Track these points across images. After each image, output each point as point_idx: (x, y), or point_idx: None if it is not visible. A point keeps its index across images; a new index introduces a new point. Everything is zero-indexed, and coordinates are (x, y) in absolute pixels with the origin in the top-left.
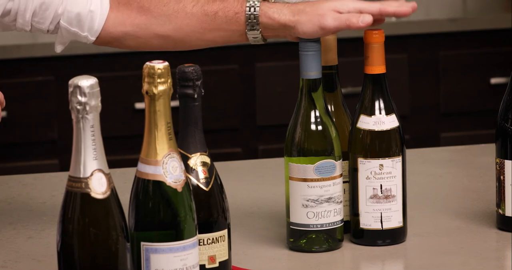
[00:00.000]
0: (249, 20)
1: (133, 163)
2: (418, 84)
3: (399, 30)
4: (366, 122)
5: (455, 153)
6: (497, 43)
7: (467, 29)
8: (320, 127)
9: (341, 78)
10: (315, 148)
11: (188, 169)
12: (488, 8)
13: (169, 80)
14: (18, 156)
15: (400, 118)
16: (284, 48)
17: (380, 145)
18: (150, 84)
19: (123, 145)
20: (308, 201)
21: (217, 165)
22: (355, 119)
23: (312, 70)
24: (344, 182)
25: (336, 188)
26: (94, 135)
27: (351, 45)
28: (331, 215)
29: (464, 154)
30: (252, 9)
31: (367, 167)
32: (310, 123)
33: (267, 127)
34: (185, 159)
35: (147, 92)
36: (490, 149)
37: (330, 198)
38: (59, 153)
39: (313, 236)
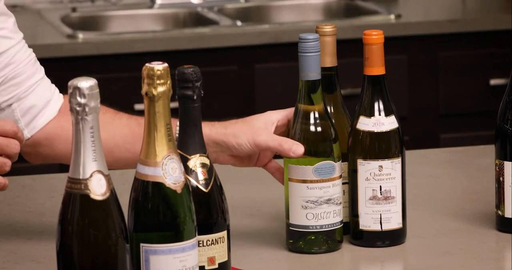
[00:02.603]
0: None
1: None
2: (418, 86)
3: (399, 31)
4: (365, 124)
5: (455, 154)
6: (497, 44)
7: (467, 30)
8: (319, 129)
9: (340, 80)
10: (314, 149)
11: (187, 170)
12: (488, 9)
13: (168, 82)
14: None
15: (399, 119)
16: (283, 50)
17: (380, 146)
18: (149, 85)
19: None
20: (307, 202)
21: (216, 166)
22: (354, 121)
23: (311, 71)
24: (343, 183)
25: (335, 189)
26: (93, 136)
27: (351, 46)
28: (330, 216)
29: (463, 155)
30: None
31: (366, 168)
32: (309, 124)
33: None
34: (184, 160)
35: (146, 94)
36: (489, 150)
37: (329, 199)
38: None
39: (313, 237)
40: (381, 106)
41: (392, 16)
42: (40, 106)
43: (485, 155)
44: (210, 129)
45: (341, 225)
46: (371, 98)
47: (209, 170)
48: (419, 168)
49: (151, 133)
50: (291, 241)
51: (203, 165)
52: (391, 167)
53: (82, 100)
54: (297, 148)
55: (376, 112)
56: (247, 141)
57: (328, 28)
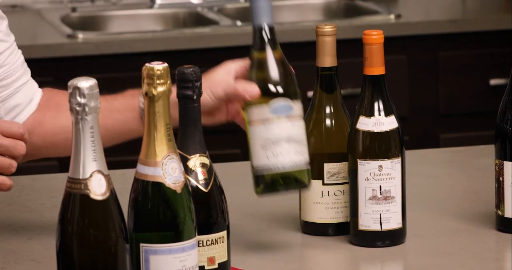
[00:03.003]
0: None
1: (133, 164)
2: (418, 85)
3: (399, 31)
4: (365, 124)
5: (454, 154)
6: (497, 44)
7: (467, 30)
8: (273, 71)
9: (340, 80)
10: (269, 89)
11: (187, 170)
12: (488, 9)
13: (168, 82)
14: None
15: (399, 119)
16: (283, 50)
17: (380, 146)
18: (149, 85)
19: (122, 146)
20: (267, 141)
21: (216, 166)
22: (354, 121)
23: (262, 16)
24: (343, 183)
25: (295, 129)
26: (93, 136)
27: (351, 46)
28: (291, 154)
29: (463, 155)
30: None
31: (366, 168)
32: (263, 68)
33: None
34: (184, 160)
35: (146, 94)
36: (489, 150)
37: (289, 138)
38: None
39: (276, 176)
40: (381, 106)
41: (392, 16)
42: (24, 104)
43: (485, 155)
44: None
45: (308, 168)
46: (371, 98)
47: (209, 170)
48: (419, 168)
49: (151, 133)
50: (257, 186)
51: (203, 165)
52: (391, 167)
53: (82, 100)
54: (252, 89)
55: (376, 112)
56: (207, 95)
57: (328, 28)
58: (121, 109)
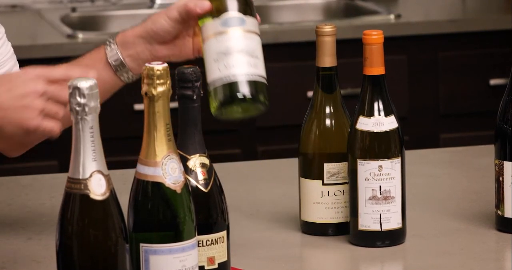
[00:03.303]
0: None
1: (132, 164)
2: (418, 85)
3: (398, 31)
4: (365, 124)
5: (454, 154)
6: (497, 44)
7: (467, 30)
8: None
9: (340, 80)
10: (220, 5)
11: (187, 170)
12: (488, 9)
13: (168, 82)
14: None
15: (399, 119)
16: (283, 49)
17: (379, 146)
18: (149, 85)
19: (122, 146)
20: (218, 54)
21: (216, 166)
22: (354, 121)
23: None
24: (343, 183)
25: (249, 41)
26: (93, 136)
27: (350, 46)
28: (244, 65)
29: (463, 155)
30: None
31: (366, 168)
32: None
33: (267, 129)
34: (184, 160)
35: (146, 94)
36: (489, 150)
37: (242, 50)
38: (58, 154)
39: (229, 88)
40: (381, 106)
41: (392, 16)
42: None
43: (485, 155)
44: (132, 28)
45: (263, 82)
46: (371, 98)
47: (209, 170)
48: (419, 167)
49: (151, 133)
50: (211, 103)
51: (203, 165)
52: (391, 167)
53: (82, 100)
54: (202, 3)
55: (376, 112)
56: (163, 20)
57: (327, 28)
58: (89, 63)
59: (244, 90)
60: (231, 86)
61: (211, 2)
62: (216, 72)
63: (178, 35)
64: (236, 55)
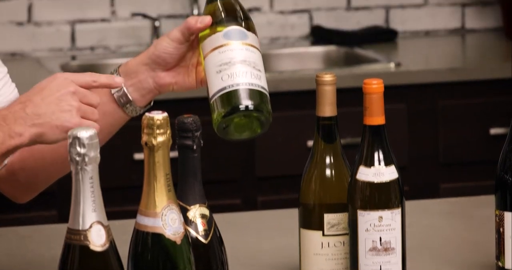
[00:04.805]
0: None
1: (132, 214)
2: (417, 134)
3: (398, 79)
4: (365, 174)
5: (454, 205)
6: (497, 93)
7: (467, 79)
8: (225, 4)
9: (340, 129)
10: (222, 19)
11: (187, 221)
12: (488, 58)
13: (168, 131)
14: (17, 207)
15: (399, 169)
16: (283, 98)
17: (380, 197)
18: (149, 135)
19: (122, 196)
20: (221, 66)
21: (216, 216)
22: (354, 171)
23: None
24: (343, 234)
25: (250, 53)
26: (93, 186)
27: (351, 95)
28: (247, 75)
29: (463, 205)
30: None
31: (366, 219)
32: (214, 4)
33: (267, 179)
34: (184, 211)
35: (146, 144)
36: (489, 200)
37: (244, 61)
38: (58, 204)
39: (232, 97)
40: (381, 156)
41: (392, 65)
42: None
43: (485, 205)
44: (135, 57)
45: (266, 94)
46: (371, 148)
47: (209, 221)
48: (419, 218)
49: (151, 184)
50: (212, 114)
51: (203, 216)
52: (391, 217)
53: (82, 150)
54: (203, 18)
55: (376, 162)
56: (165, 42)
57: (328, 77)
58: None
59: (248, 98)
60: (235, 95)
61: (212, 18)
62: (219, 83)
63: (181, 59)
64: (239, 65)
